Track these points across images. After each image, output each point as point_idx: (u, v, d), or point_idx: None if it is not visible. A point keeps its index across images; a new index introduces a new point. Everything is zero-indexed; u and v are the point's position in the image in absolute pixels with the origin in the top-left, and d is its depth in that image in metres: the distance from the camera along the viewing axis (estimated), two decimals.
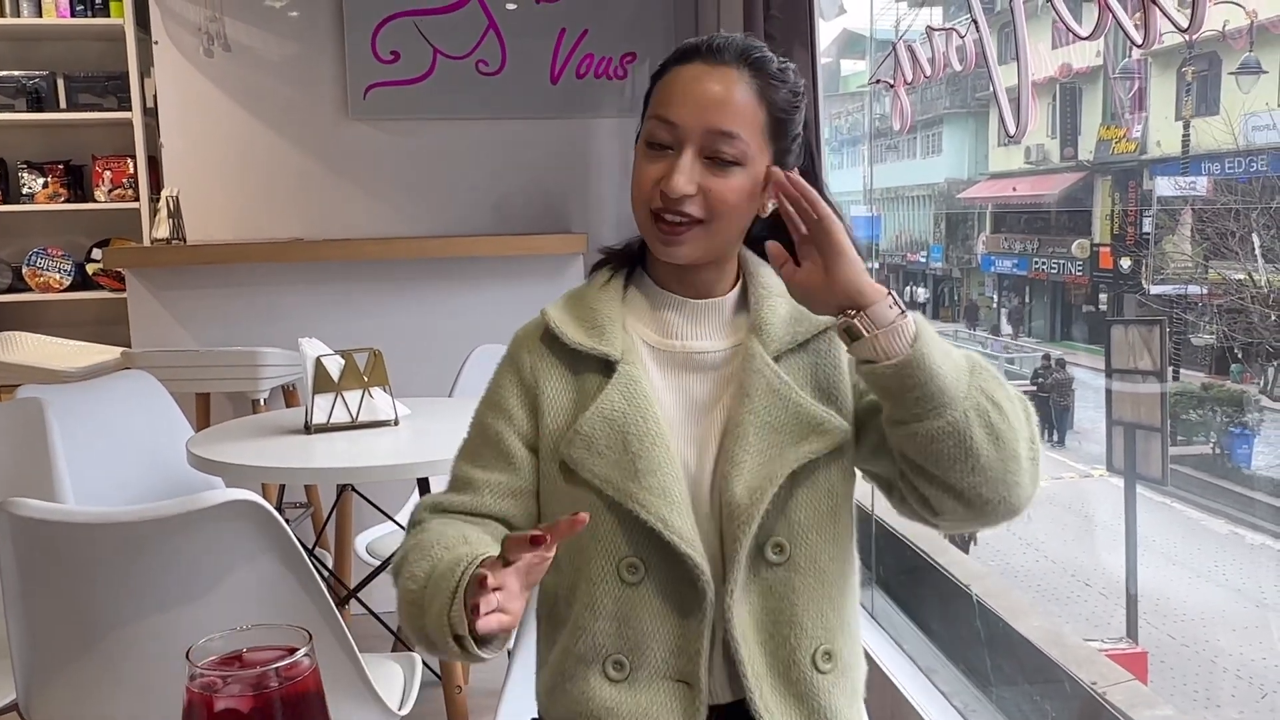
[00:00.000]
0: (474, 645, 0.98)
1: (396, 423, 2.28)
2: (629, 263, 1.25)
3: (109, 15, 4.02)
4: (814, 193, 1.04)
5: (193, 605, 1.56)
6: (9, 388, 2.45)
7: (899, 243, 6.48)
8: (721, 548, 1.12)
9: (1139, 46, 1.12)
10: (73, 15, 4.03)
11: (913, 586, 3.00)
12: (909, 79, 1.75)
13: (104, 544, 1.51)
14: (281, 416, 2.53)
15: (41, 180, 4.19)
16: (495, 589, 0.91)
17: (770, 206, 1.17)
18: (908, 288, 6.25)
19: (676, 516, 1.09)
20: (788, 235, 1.09)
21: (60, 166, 4.21)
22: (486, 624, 0.90)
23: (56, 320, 4.22)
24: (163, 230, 3.33)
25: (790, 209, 1.05)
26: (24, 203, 4.17)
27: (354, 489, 2.80)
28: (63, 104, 4.14)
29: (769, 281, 1.21)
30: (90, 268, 4.28)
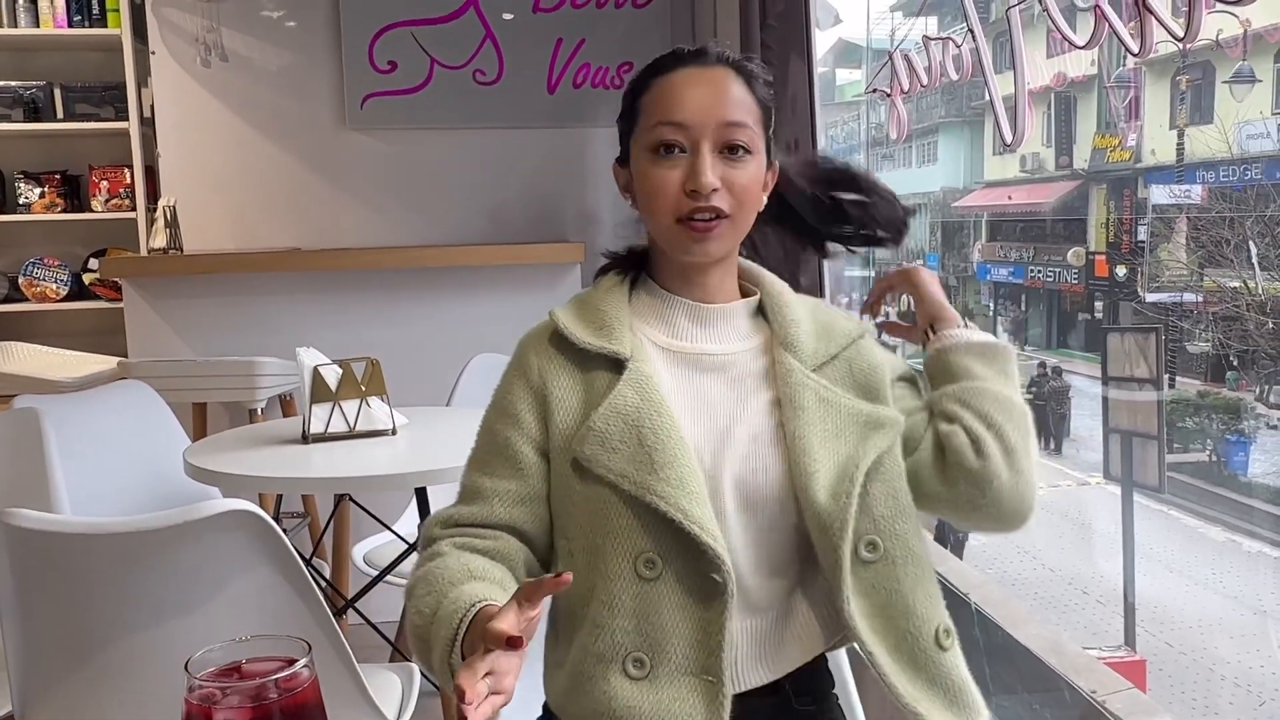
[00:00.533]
0: None
1: (394, 432, 2.28)
2: (633, 268, 1.26)
3: (106, 26, 4.03)
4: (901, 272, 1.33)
5: (190, 616, 1.56)
6: (5, 398, 2.45)
7: (896, 252, 6.46)
8: (745, 545, 1.14)
9: (1135, 56, 1.13)
10: (70, 26, 4.03)
11: None
12: (905, 88, 1.76)
13: (100, 555, 1.51)
14: (278, 426, 2.53)
15: (38, 190, 4.19)
16: (486, 674, 0.89)
17: (763, 200, 1.22)
18: (904, 296, 6.23)
19: (696, 507, 1.09)
20: (789, 227, 1.27)
21: (57, 176, 4.22)
22: (479, 716, 0.88)
23: (53, 330, 4.22)
24: (160, 240, 3.33)
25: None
26: (20, 213, 4.17)
27: (351, 499, 2.79)
28: (60, 114, 4.14)
29: (778, 289, 1.25)
30: (87, 277, 4.28)
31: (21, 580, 1.56)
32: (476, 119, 3.70)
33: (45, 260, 4.22)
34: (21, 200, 4.18)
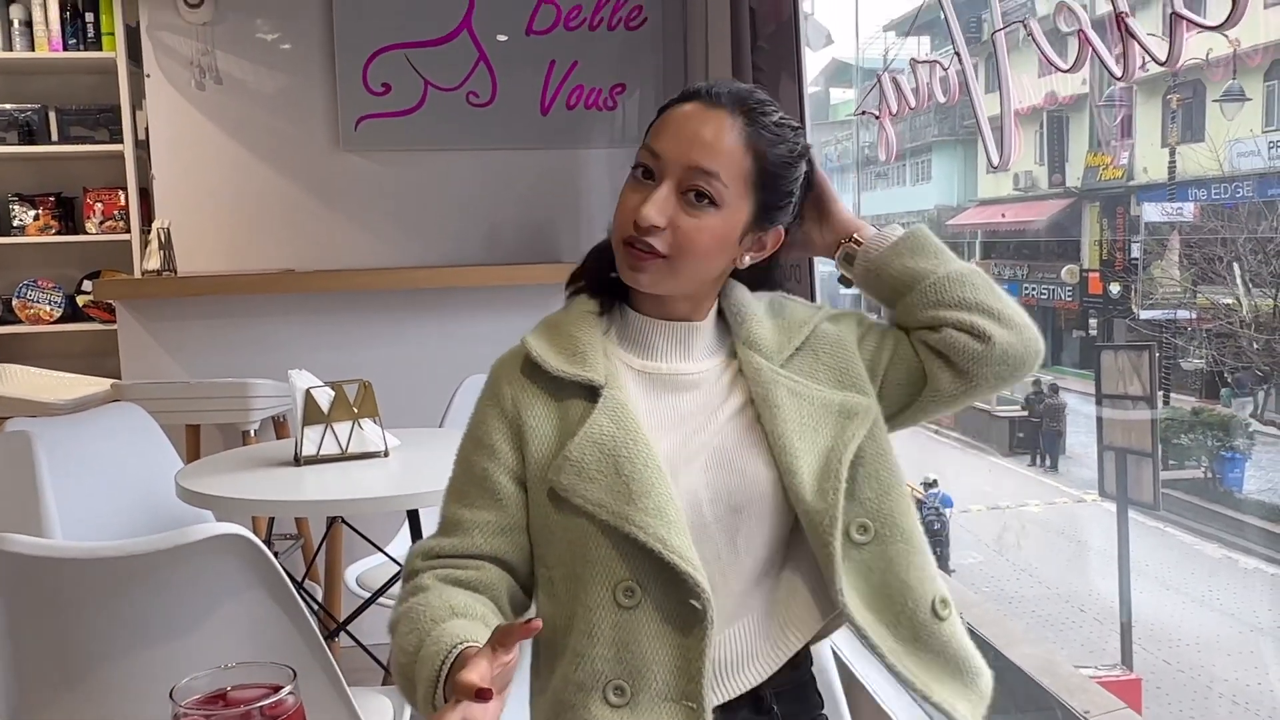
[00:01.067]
0: None
1: (386, 454, 2.28)
2: (603, 287, 1.25)
3: (101, 49, 4.04)
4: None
5: (181, 640, 1.56)
6: None
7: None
8: (730, 553, 1.15)
9: (1118, 80, 1.14)
10: (65, 49, 4.04)
11: None
12: (894, 110, 1.77)
13: (91, 579, 1.50)
14: (271, 448, 2.53)
15: (32, 213, 4.19)
16: None
17: (748, 260, 1.21)
18: None
19: (675, 536, 1.09)
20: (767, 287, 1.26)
21: (51, 199, 4.22)
22: None
23: (46, 352, 4.21)
24: (154, 262, 3.33)
25: None
26: (15, 235, 4.17)
27: (344, 521, 2.79)
28: (54, 137, 4.15)
29: (742, 299, 1.25)
30: (81, 299, 4.28)
31: (11, 604, 1.55)
32: (470, 140, 3.71)
33: (39, 282, 4.22)
34: (16, 223, 4.18)
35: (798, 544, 1.18)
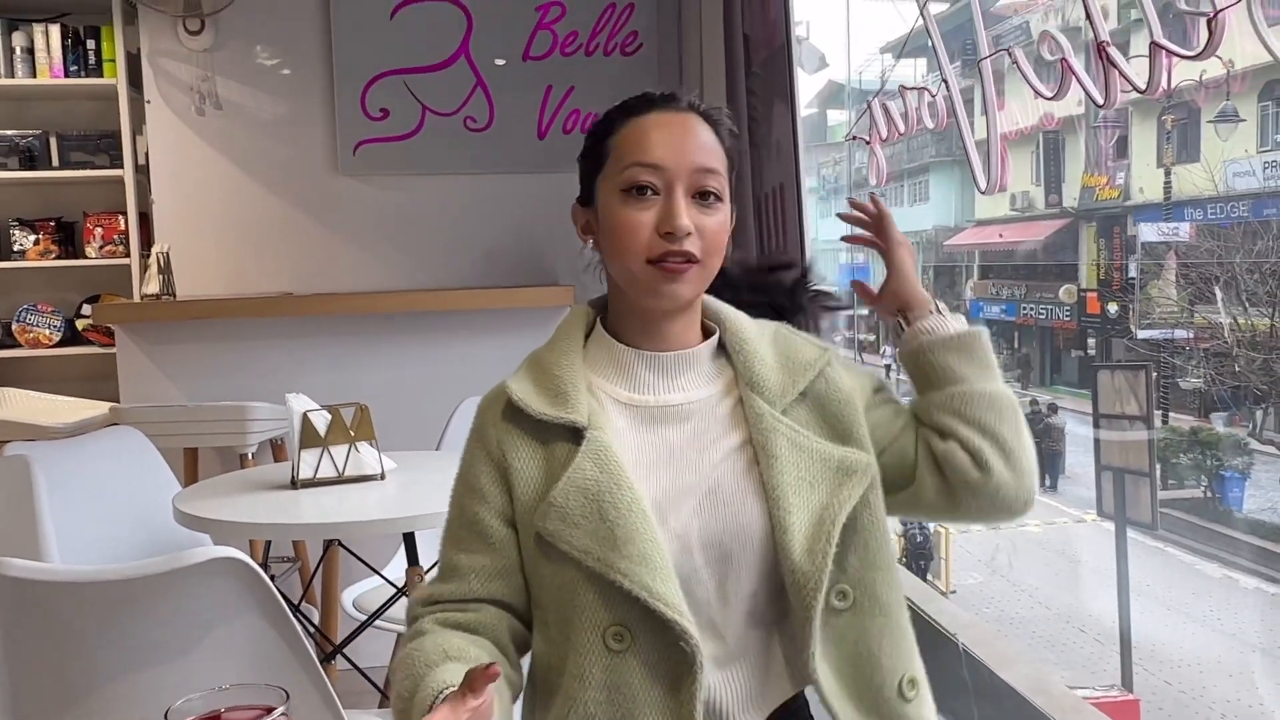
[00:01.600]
0: None
1: (383, 477, 2.29)
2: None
3: (102, 75, 4.07)
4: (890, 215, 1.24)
5: (178, 663, 1.56)
6: None
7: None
8: (720, 597, 1.13)
9: (1101, 107, 1.15)
10: (66, 76, 4.08)
11: None
12: (884, 136, 1.79)
13: (88, 602, 1.51)
14: (268, 472, 2.54)
15: (33, 237, 4.22)
16: None
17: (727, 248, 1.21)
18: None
19: (660, 583, 1.08)
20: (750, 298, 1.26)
21: (52, 223, 4.24)
22: None
23: (46, 376, 4.22)
24: (153, 286, 3.35)
25: (862, 232, 1.30)
26: (15, 259, 4.20)
27: (341, 544, 2.79)
28: (55, 162, 4.18)
29: (743, 331, 1.22)
30: (80, 323, 4.29)
31: (10, 627, 1.56)
32: (467, 165, 3.74)
33: (39, 306, 4.24)
34: (16, 247, 4.20)
35: (786, 608, 1.15)
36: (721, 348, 1.23)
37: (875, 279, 1.31)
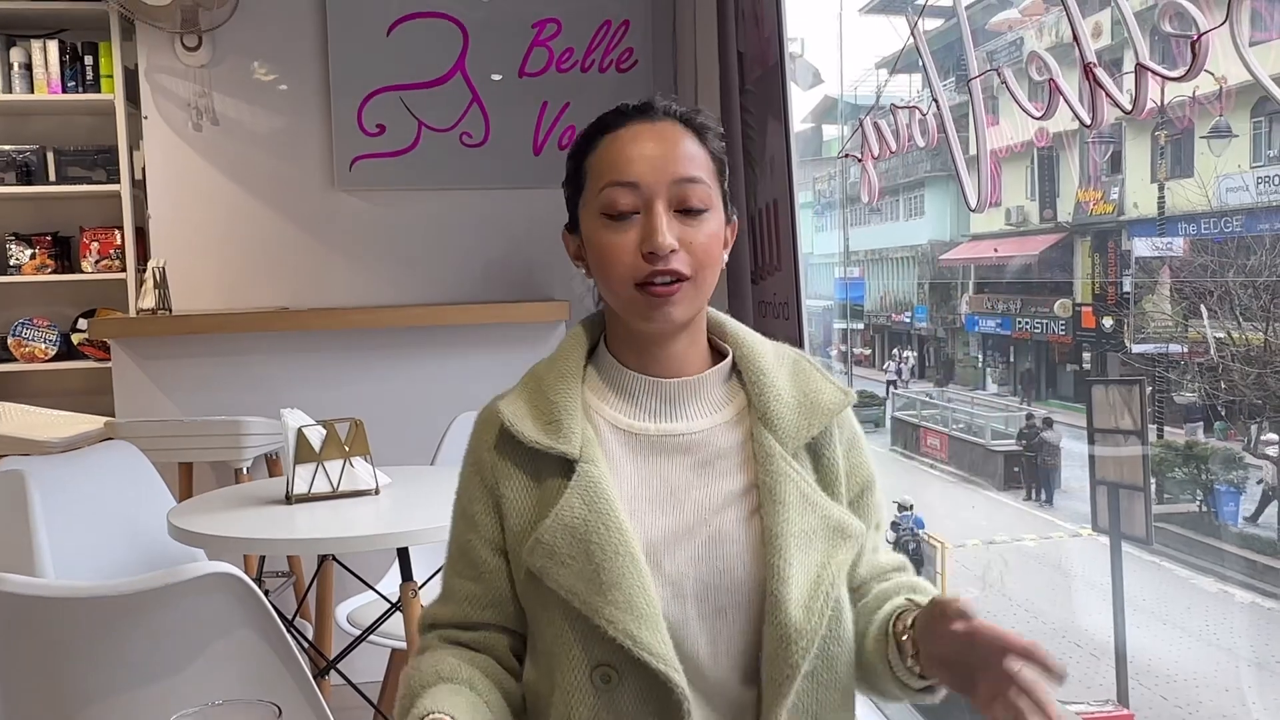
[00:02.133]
0: None
1: (377, 492, 2.29)
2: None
3: (100, 91, 4.09)
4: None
5: (172, 678, 1.56)
6: None
7: (884, 303, 6.54)
8: (709, 647, 1.09)
9: (1088, 127, 1.17)
10: (64, 91, 4.09)
11: None
12: (875, 153, 1.80)
13: (82, 617, 1.51)
14: (262, 487, 2.54)
15: (29, 252, 4.22)
16: None
17: (724, 259, 1.15)
18: (894, 350, 6.29)
19: (645, 631, 1.04)
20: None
21: (48, 238, 4.25)
22: None
23: (41, 390, 4.22)
24: (149, 300, 3.36)
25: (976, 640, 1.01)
26: (11, 274, 4.20)
27: (335, 559, 2.79)
28: (52, 177, 4.19)
29: (759, 352, 1.17)
30: (76, 338, 4.30)
31: (4, 642, 1.56)
32: (463, 180, 3.75)
33: (34, 320, 4.25)
34: (12, 261, 4.21)
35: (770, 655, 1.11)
36: (734, 371, 1.18)
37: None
